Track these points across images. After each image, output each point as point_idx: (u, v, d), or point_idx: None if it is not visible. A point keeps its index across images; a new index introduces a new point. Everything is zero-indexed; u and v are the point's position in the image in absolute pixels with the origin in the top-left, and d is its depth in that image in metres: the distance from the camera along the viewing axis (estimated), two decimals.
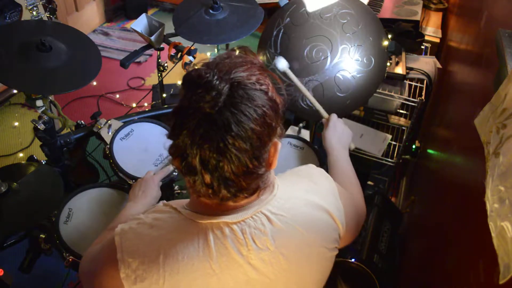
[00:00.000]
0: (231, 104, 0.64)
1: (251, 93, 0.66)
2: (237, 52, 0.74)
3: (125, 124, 1.51)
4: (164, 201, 0.84)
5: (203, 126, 0.63)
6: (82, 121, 1.71)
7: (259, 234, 0.74)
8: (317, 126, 2.02)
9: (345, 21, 1.48)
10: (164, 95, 2.05)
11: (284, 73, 1.38)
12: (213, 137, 0.63)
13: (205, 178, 0.67)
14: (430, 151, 1.95)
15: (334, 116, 1.31)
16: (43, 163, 1.56)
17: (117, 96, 3.09)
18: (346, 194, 0.94)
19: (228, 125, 0.63)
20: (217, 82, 0.65)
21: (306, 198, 0.81)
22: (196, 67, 0.69)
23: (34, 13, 1.92)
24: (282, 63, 1.36)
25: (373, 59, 1.46)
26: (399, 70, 1.86)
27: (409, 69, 1.95)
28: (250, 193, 0.71)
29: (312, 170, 0.91)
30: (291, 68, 1.39)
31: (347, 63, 1.46)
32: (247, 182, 0.68)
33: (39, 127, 1.44)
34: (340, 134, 1.25)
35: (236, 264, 0.73)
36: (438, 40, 2.33)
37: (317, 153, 1.46)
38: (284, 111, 0.74)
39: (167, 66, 1.88)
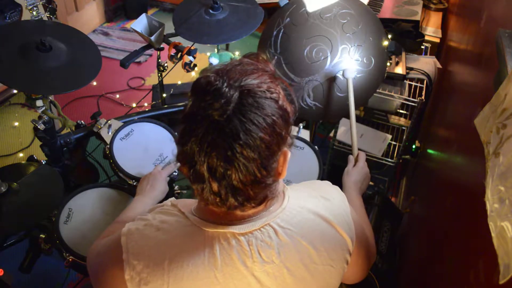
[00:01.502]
0: (240, 112, 0.63)
1: (261, 102, 0.65)
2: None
3: (125, 124, 1.51)
4: (172, 200, 0.83)
5: (211, 133, 0.63)
6: (82, 121, 1.71)
7: (265, 247, 0.73)
8: (317, 126, 2.02)
9: (345, 21, 1.48)
10: (164, 95, 2.05)
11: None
12: (221, 145, 0.62)
13: (212, 186, 0.66)
14: (430, 151, 1.95)
15: (363, 156, 1.30)
16: (43, 163, 1.56)
17: (117, 96, 3.09)
18: (358, 220, 0.92)
19: (236, 134, 0.62)
20: (227, 90, 0.64)
21: (316, 214, 0.80)
22: (206, 74, 0.68)
23: (34, 13, 1.92)
24: (351, 73, 1.34)
25: (373, 59, 1.46)
26: (399, 70, 1.86)
27: (409, 69, 1.95)
28: (258, 202, 0.71)
29: (326, 185, 0.90)
30: (291, 69, 1.39)
31: (347, 63, 1.46)
32: (255, 191, 0.68)
33: (39, 127, 1.44)
34: (363, 178, 1.25)
35: (240, 274, 0.73)
36: (438, 40, 2.33)
37: (317, 153, 1.46)
38: (295, 120, 0.73)
39: (167, 66, 1.88)
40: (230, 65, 0.69)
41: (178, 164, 1.40)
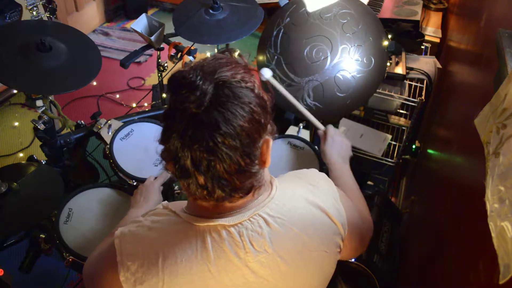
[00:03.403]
0: (218, 103, 0.64)
1: (237, 91, 0.66)
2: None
3: (125, 124, 1.51)
4: (164, 203, 0.84)
5: (191, 127, 0.64)
6: (82, 121, 1.71)
7: (256, 237, 0.73)
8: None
9: (345, 21, 1.48)
10: (164, 95, 2.05)
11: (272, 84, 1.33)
12: (201, 137, 0.63)
13: (199, 180, 0.67)
14: (430, 151, 1.95)
15: (331, 128, 1.29)
16: (43, 163, 1.56)
17: (117, 96, 3.09)
18: (349, 201, 0.92)
19: (216, 124, 0.63)
20: (201, 82, 0.65)
21: (305, 201, 0.81)
22: (180, 70, 0.69)
23: (34, 13, 1.92)
24: (266, 73, 1.30)
25: (373, 59, 1.46)
26: (399, 70, 1.86)
27: (409, 69, 1.95)
28: (245, 192, 0.71)
29: (313, 173, 0.91)
30: (291, 69, 1.39)
31: (347, 63, 1.46)
32: (241, 180, 0.68)
33: (39, 127, 1.44)
34: (339, 147, 1.23)
35: (234, 266, 0.73)
36: (438, 40, 2.33)
37: (317, 153, 1.46)
38: (273, 108, 0.74)
39: (167, 66, 1.88)
40: (204, 61, 0.71)
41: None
